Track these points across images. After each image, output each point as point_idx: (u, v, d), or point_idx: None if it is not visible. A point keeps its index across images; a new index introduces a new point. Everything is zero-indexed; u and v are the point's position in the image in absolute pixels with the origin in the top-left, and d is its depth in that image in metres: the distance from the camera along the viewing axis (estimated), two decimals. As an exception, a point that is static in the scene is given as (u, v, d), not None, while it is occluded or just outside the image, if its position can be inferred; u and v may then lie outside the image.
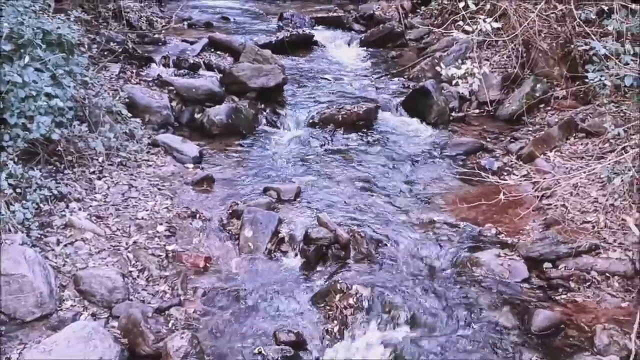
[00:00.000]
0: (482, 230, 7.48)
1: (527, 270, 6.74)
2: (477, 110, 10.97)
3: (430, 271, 6.80)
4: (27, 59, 7.07)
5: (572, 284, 6.54)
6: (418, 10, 16.11)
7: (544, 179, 8.13)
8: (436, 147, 9.71)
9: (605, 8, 9.39)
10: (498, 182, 7.88)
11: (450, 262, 6.93)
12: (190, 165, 8.75)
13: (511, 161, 9.05)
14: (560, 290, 6.49)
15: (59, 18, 8.26)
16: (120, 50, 10.83)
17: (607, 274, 6.58)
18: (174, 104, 10.21)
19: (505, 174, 8.76)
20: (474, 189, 8.40)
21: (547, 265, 6.79)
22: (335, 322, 6.09)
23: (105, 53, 10.62)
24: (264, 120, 10.36)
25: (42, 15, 7.88)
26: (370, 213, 7.78)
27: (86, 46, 9.27)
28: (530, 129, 9.96)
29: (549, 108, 10.34)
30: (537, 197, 7.84)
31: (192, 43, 12.61)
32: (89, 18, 10.74)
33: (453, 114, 10.80)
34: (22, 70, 6.94)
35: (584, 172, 7.88)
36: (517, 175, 8.65)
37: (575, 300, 6.34)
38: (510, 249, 7.04)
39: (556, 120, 9.79)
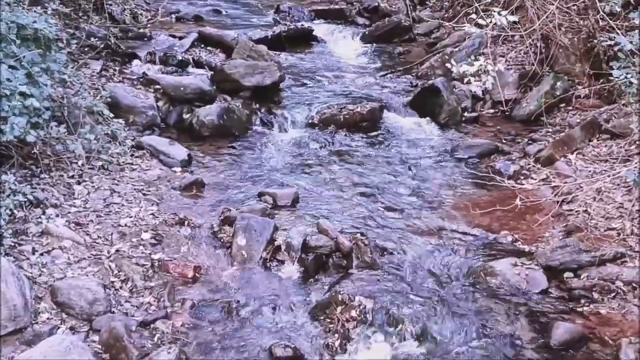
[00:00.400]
0: (497, 238, 7.54)
1: (547, 280, 6.78)
2: (491, 110, 11.04)
3: (440, 281, 6.83)
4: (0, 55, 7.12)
5: (596, 295, 6.56)
6: (427, 2, 16.21)
7: (565, 183, 8.16)
8: (447, 150, 9.78)
9: (632, -1, 9.46)
10: (514, 187, 7.92)
11: (462, 271, 6.97)
12: (178, 169, 8.80)
13: (529, 164, 9.11)
14: (583, 301, 6.51)
15: (34, 11, 8.34)
16: (102, 45, 10.89)
17: (634, 284, 6.60)
18: (160, 103, 10.27)
19: (522, 177, 8.79)
20: (488, 194, 8.45)
21: (568, 275, 6.83)
22: (336, 335, 6.12)
23: (86, 49, 10.68)
24: (258, 121, 10.43)
25: (17, 8, 7.92)
26: (375, 219, 7.84)
27: (65, 41, 9.29)
28: (550, 130, 10.01)
29: (570, 108, 10.39)
30: (557, 202, 7.89)
31: (180, 38, 12.68)
32: (68, 11, 10.81)
33: (465, 114, 10.87)
34: (-6, 67, 7.01)
35: (608, 176, 7.94)
36: (535, 179, 8.69)
37: (599, 312, 6.37)
38: (528, 258, 7.07)
39: (578, 120, 9.84)
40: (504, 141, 9.96)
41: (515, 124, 10.52)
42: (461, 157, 9.56)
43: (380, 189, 8.60)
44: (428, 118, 10.70)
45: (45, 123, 7.57)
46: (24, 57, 7.37)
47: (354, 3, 16.59)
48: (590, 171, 8.55)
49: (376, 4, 16.02)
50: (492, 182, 8.06)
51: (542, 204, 7.90)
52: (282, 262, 7.15)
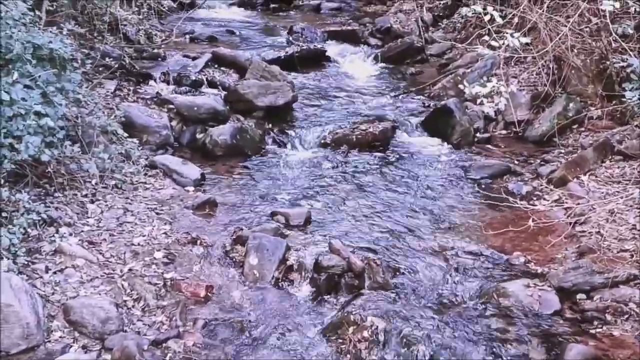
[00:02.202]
0: (509, 259, 7.50)
1: (559, 301, 6.74)
2: (504, 131, 11.03)
3: (453, 302, 6.80)
4: (15, 75, 7.16)
5: (609, 317, 6.52)
6: (439, 24, 16.24)
7: (577, 204, 8.15)
8: (459, 170, 9.77)
9: (644, 22, 9.48)
10: (527, 208, 7.89)
11: (474, 292, 6.94)
12: (191, 188, 8.83)
13: (541, 185, 9.09)
14: (595, 323, 6.47)
15: (50, 31, 8.39)
16: (116, 65, 10.94)
17: (647, 306, 6.57)
18: (174, 123, 10.33)
19: (534, 198, 8.78)
20: (501, 214, 8.43)
21: (580, 296, 6.80)
22: (349, 356, 6.09)
23: (100, 69, 10.75)
24: (271, 141, 10.48)
25: (33, 29, 7.99)
26: (387, 240, 7.83)
27: (80, 61, 9.38)
28: (562, 151, 10.00)
29: (583, 129, 10.38)
30: (570, 223, 7.86)
31: (194, 58, 12.76)
32: (83, 31, 10.87)
33: (478, 134, 10.87)
34: (9, 87, 7.02)
35: (621, 197, 7.91)
36: (547, 201, 8.67)
37: (612, 334, 6.32)
38: (541, 279, 7.05)
39: (590, 141, 9.82)
40: (516, 162, 9.94)
41: (528, 145, 10.51)
42: (474, 177, 9.54)
43: (392, 209, 8.58)
44: (440, 138, 10.71)
45: (60, 142, 7.62)
46: (39, 76, 7.41)
47: (367, 24, 16.66)
48: (603, 192, 8.52)
49: (389, 25, 16.02)
50: (505, 203, 8.09)
51: (554, 225, 7.87)
52: (294, 281, 7.13)
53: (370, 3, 19.15)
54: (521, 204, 7.89)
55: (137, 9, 14.21)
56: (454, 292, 6.96)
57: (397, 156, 10.18)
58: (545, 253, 7.59)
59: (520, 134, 10.77)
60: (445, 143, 10.62)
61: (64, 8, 10.25)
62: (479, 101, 8.59)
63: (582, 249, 7.49)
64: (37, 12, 8.74)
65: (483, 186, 9.21)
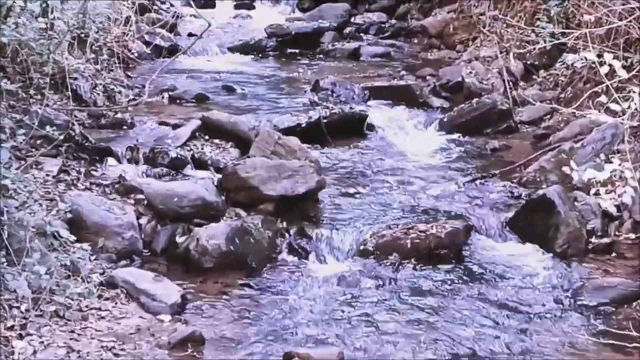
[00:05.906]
0: None
1: None
2: (632, 235, 10.96)
3: None
4: None
5: None
6: (534, 77, 16.33)
7: None
8: (566, 292, 9.71)
9: None
10: (668, 350, 7.83)
11: None
12: (167, 317, 8.81)
13: (689, 316, 9.01)
14: None
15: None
16: (61, 137, 11.02)
17: None
18: (143, 221, 10.41)
19: (678, 336, 8.68)
20: (629, 359, 8.30)
21: None
22: None
23: (38, 142, 10.88)
24: (286, 247, 10.51)
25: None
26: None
27: (7, 131, 9.47)
28: None
29: None
30: None
31: (175, 127, 12.94)
32: (15, 88, 11.03)
33: (593, 239, 10.82)
34: None
35: None
36: (697, 339, 8.57)
37: None
38: None
39: None
40: (652, 281, 9.87)
41: (668, 256, 10.45)
42: (587, 303, 9.46)
43: (467, 349, 8.51)
44: (537, 245, 10.71)
45: (-26, 250, 7.65)
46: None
47: (427, 77, 16.78)
48: None
49: (459, 79, 16.10)
50: (636, 342, 7.96)
51: None
52: None
53: (432, 47, 19.37)
54: (660, 345, 7.83)
55: (93, 55, 14.42)
56: None
57: (473, 271, 10.17)
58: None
59: (657, 239, 10.73)
60: (545, 251, 10.61)
61: (-14, 55, 10.45)
62: (593, 191, 8.57)
63: None
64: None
65: (602, 316, 9.16)
